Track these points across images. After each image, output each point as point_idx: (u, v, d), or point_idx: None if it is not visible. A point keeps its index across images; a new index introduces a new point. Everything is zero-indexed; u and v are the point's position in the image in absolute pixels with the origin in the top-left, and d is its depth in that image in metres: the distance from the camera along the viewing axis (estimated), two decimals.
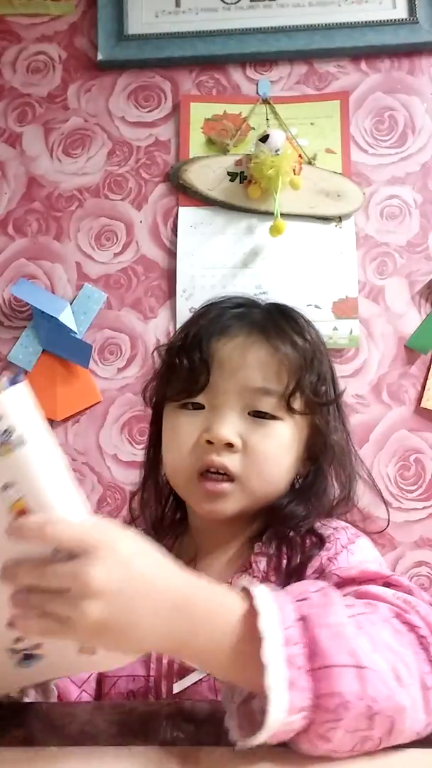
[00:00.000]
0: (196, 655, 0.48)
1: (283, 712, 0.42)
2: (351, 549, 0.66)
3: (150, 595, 0.45)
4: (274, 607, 0.46)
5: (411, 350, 1.32)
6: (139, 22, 1.43)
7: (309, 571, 0.65)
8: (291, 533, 0.68)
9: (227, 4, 1.43)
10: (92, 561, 0.43)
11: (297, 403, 0.69)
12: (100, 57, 1.42)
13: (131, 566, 0.45)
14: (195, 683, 0.63)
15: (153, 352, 0.84)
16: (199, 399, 0.70)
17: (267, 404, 0.68)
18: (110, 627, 0.44)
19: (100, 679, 0.69)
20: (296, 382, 0.69)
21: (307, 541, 0.67)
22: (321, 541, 0.67)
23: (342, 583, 0.57)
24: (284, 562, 0.67)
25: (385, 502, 0.81)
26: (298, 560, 0.66)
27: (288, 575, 0.65)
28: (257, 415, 0.68)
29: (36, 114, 1.44)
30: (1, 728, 0.50)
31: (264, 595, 0.47)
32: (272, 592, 0.47)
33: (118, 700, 0.67)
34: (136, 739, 0.48)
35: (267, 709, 0.42)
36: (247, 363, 0.69)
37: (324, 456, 0.74)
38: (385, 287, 1.34)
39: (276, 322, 0.73)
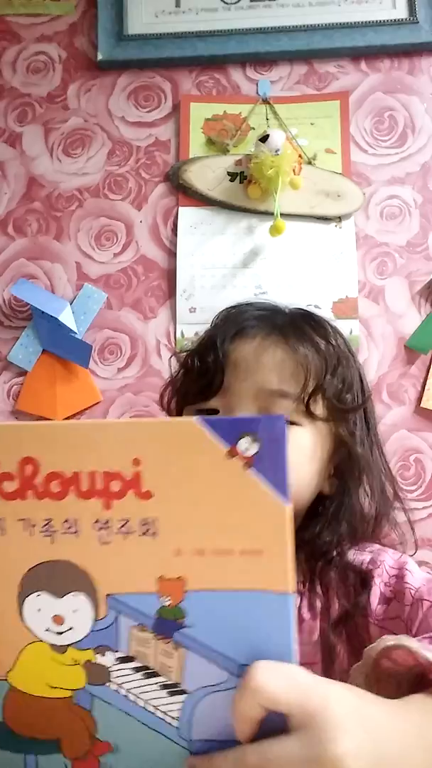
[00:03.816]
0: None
1: None
2: (407, 568, 0.64)
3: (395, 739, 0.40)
4: None
5: (411, 350, 1.32)
6: (139, 22, 1.43)
7: (374, 602, 0.62)
8: (330, 573, 0.64)
9: (227, 4, 1.43)
10: (331, 733, 0.36)
11: (317, 408, 0.66)
12: (100, 57, 1.42)
13: (365, 721, 0.38)
14: None
15: (170, 357, 0.80)
16: (215, 404, 0.67)
17: (284, 407, 0.64)
18: None
19: None
20: (316, 385, 0.65)
21: (350, 580, 0.64)
22: (363, 582, 0.63)
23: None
24: (333, 606, 0.63)
25: (412, 528, 0.77)
26: (347, 605, 0.63)
27: (339, 622, 0.62)
28: None
29: (36, 114, 1.44)
30: None
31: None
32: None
33: None
34: None
35: None
36: (262, 364, 0.65)
37: (350, 472, 0.69)
38: (385, 287, 1.34)
39: (298, 325, 0.69)
